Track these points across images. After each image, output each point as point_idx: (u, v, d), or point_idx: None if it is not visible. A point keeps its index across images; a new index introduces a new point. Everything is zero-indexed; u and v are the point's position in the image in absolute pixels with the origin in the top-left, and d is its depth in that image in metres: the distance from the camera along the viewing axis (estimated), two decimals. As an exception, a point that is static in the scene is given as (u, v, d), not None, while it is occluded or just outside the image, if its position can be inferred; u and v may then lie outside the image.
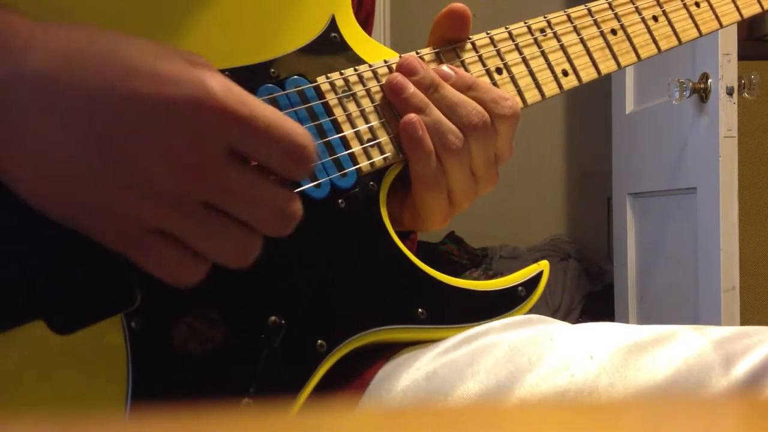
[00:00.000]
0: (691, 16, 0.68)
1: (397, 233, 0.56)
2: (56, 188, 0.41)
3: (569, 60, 0.62)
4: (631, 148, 2.28)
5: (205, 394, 0.46)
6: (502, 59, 0.61)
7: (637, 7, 0.66)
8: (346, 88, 0.55)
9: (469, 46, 0.60)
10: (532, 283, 0.59)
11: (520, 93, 0.60)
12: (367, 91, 0.56)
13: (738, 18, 0.71)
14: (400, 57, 0.57)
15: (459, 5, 0.60)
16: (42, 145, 0.41)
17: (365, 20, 0.70)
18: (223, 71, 0.51)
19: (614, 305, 2.33)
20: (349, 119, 0.54)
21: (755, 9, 0.72)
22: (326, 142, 0.53)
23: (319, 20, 0.56)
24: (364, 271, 0.53)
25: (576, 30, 0.63)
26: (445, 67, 0.57)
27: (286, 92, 0.53)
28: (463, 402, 0.52)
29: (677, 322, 0.58)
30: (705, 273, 1.80)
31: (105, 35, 0.43)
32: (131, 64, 0.41)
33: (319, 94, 0.54)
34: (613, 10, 0.65)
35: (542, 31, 0.62)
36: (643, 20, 0.66)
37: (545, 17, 0.63)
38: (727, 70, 1.72)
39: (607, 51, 0.64)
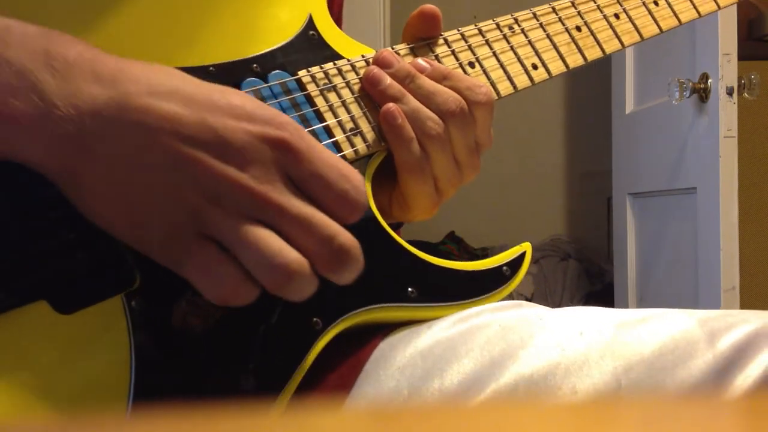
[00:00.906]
0: (651, 14, 0.72)
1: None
2: (127, 200, 0.44)
3: (537, 54, 0.66)
4: (631, 148, 2.28)
5: (205, 371, 0.48)
6: (473, 53, 0.64)
7: (598, 6, 0.70)
8: (326, 81, 0.58)
9: (441, 41, 0.64)
10: (516, 263, 0.61)
11: (492, 85, 0.63)
12: (347, 83, 0.59)
13: (696, 15, 0.75)
14: (377, 52, 0.60)
15: (429, 6, 0.63)
16: (120, 162, 0.43)
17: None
18: (207, 67, 0.54)
19: (614, 305, 2.33)
20: (331, 109, 0.57)
21: (711, 7, 0.76)
22: (311, 130, 0.56)
23: (298, 19, 0.60)
24: None
25: (542, 26, 0.67)
26: (420, 60, 0.60)
27: (269, 84, 0.55)
28: (457, 377, 0.53)
29: (677, 322, 0.59)
30: (705, 273, 1.80)
31: (181, 75, 0.46)
32: (212, 99, 0.45)
33: (301, 86, 0.57)
34: (576, 8, 0.69)
35: (510, 27, 0.66)
36: (605, 17, 0.70)
37: (512, 15, 0.67)
38: (727, 70, 1.72)
39: (573, 46, 0.68)
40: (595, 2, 0.70)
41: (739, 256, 1.73)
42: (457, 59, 0.63)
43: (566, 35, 0.68)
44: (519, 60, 0.65)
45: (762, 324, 0.54)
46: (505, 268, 0.61)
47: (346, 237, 0.45)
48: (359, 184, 0.46)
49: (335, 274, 0.46)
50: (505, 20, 0.67)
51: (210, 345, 0.48)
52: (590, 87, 3.01)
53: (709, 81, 1.76)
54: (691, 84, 1.77)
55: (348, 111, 0.58)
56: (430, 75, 0.59)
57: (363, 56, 0.60)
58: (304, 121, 0.56)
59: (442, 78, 0.59)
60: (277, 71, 0.56)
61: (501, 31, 0.66)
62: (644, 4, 0.72)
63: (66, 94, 0.43)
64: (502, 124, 3.04)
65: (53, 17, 0.50)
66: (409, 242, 0.59)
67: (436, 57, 0.62)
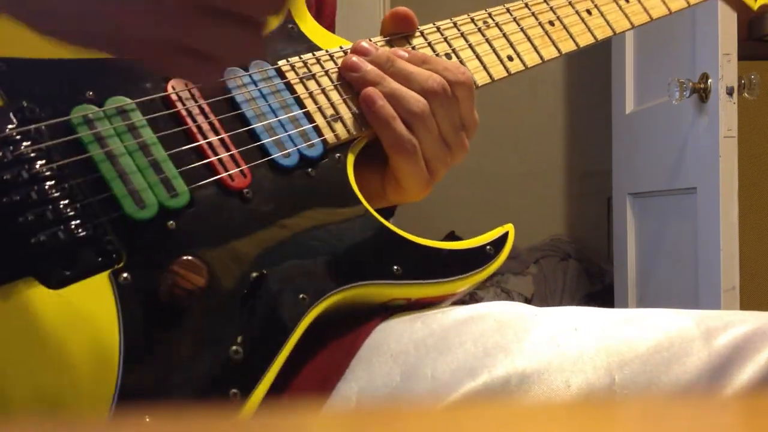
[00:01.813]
0: (621, 9, 0.75)
1: (380, 212, 0.59)
2: None
3: (512, 46, 0.68)
4: (631, 148, 2.28)
5: (195, 344, 0.48)
6: (450, 45, 0.66)
7: (570, 2, 0.73)
8: (305, 70, 0.60)
9: (417, 34, 0.66)
10: (499, 242, 0.63)
11: None
12: (326, 72, 0.61)
13: (666, 12, 0.77)
14: (356, 42, 0.62)
15: (402, 8, 0.65)
16: None
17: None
18: None
19: (614, 305, 2.33)
20: (311, 96, 0.59)
21: (681, 4, 0.78)
22: (291, 116, 0.57)
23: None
24: (340, 233, 0.56)
25: (516, 21, 0.70)
26: (398, 49, 0.62)
27: (249, 73, 0.57)
28: (450, 365, 0.54)
29: (677, 322, 0.59)
30: (705, 273, 1.80)
31: None
32: None
33: (281, 74, 0.59)
34: (548, 4, 0.72)
35: (484, 21, 0.69)
36: (577, 13, 0.73)
37: (486, 10, 0.69)
38: (727, 70, 1.72)
39: (546, 39, 0.70)
40: (567, 0, 0.73)
41: (739, 256, 1.73)
42: (433, 50, 0.65)
43: (539, 29, 0.70)
44: (494, 51, 0.67)
45: (759, 324, 0.54)
46: (488, 247, 0.62)
47: None
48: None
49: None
50: (479, 15, 0.69)
51: (198, 318, 0.49)
52: (590, 87, 3.01)
53: (709, 81, 1.76)
54: (691, 84, 1.77)
55: (328, 98, 0.59)
56: (408, 60, 0.61)
57: (341, 47, 0.62)
58: (285, 107, 0.57)
59: (420, 62, 0.61)
60: (258, 60, 0.58)
61: (476, 25, 0.68)
62: (615, 0, 0.75)
63: None
64: (503, 124, 3.04)
65: None
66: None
67: (413, 48, 0.64)
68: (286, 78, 0.58)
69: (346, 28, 0.73)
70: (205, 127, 0.53)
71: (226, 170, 0.53)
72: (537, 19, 0.71)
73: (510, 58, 0.68)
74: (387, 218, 0.60)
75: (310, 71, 0.60)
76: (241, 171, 0.54)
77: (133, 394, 0.44)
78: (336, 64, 0.61)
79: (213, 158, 0.53)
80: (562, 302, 2.71)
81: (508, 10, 0.70)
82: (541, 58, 0.69)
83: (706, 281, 1.80)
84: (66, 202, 0.47)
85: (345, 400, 0.54)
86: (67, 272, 0.46)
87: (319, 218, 0.56)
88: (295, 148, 0.57)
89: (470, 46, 0.67)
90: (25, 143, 0.47)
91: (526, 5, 0.71)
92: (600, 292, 2.76)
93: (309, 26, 0.63)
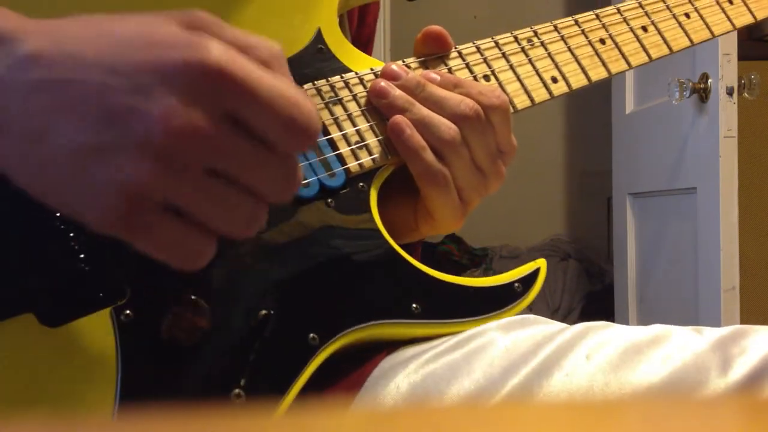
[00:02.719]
0: (681, 27, 0.69)
1: (404, 246, 0.56)
2: (50, 171, 0.39)
3: (557, 67, 0.64)
4: (631, 148, 2.28)
5: (194, 386, 0.46)
6: (489, 66, 0.62)
7: (624, 18, 0.67)
8: (332, 94, 0.56)
9: (455, 54, 0.62)
10: (529, 279, 0.59)
11: (508, 98, 0.61)
12: (354, 96, 0.57)
13: (730, 28, 0.72)
14: (385, 65, 0.58)
15: (434, 27, 0.61)
16: (33, 128, 0.39)
17: (366, 42, 0.72)
18: None
19: (614, 305, 2.33)
20: (336, 122, 0.56)
21: (747, 19, 0.73)
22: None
23: (306, 33, 0.58)
24: (356, 267, 0.53)
25: (563, 39, 0.65)
26: (429, 71, 0.58)
27: None
28: (457, 398, 0.52)
29: (677, 323, 0.58)
30: (705, 273, 1.80)
31: (96, 18, 0.42)
32: (124, 36, 0.40)
33: None
34: (600, 21, 0.67)
35: (529, 40, 0.64)
36: (632, 30, 0.67)
37: (531, 28, 0.65)
38: (727, 70, 1.72)
39: (596, 58, 0.65)
40: (621, 15, 0.67)
41: (739, 256, 1.73)
42: (471, 72, 0.61)
43: (589, 48, 0.65)
44: (537, 73, 0.63)
45: None
46: (516, 284, 0.58)
47: (293, 170, 0.42)
48: (305, 104, 0.41)
49: (286, 199, 0.43)
50: (524, 33, 0.64)
51: (199, 360, 0.47)
52: (590, 87, 3.01)
53: (709, 81, 1.76)
54: (691, 84, 1.77)
55: (354, 124, 0.56)
56: (440, 84, 0.57)
57: (372, 69, 0.58)
58: None
59: (452, 86, 0.57)
60: None
61: (519, 44, 0.63)
62: (674, 16, 0.69)
63: None
64: (502, 124, 3.04)
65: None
66: (409, 242, 0.59)
67: (449, 70, 0.61)
68: None
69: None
70: None
71: None
72: (587, 37, 0.65)
73: (554, 80, 0.63)
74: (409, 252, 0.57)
75: (337, 95, 0.57)
76: None
77: None
78: (365, 87, 0.57)
79: None
80: (562, 302, 2.71)
81: (555, 28, 0.65)
82: (589, 79, 0.65)
83: (706, 281, 1.80)
84: (72, 237, 0.45)
85: None
86: (65, 310, 0.44)
87: (335, 251, 0.53)
88: (315, 178, 0.53)
89: (511, 67, 0.62)
90: None
91: (576, 22, 0.66)
92: (600, 292, 2.76)
93: (340, 46, 0.59)
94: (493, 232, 3.00)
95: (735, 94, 1.72)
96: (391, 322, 0.53)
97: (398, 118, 0.55)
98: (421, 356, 0.55)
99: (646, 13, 0.68)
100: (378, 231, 0.55)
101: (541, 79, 0.63)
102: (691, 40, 0.70)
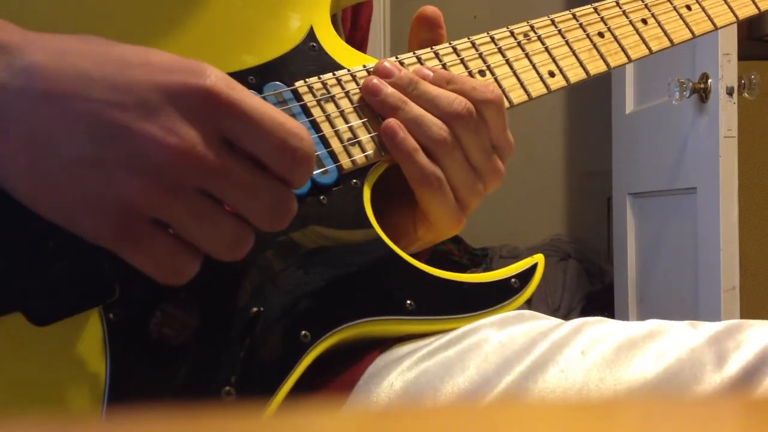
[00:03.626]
0: (682, 19, 0.68)
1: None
2: (48, 180, 0.40)
3: (555, 61, 0.63)
4: (631, 148, 2.28)
5: (184, 385, 0.46)
6: (484, 62, 0.61)
7: (624, 11, 0.67)
8: (324, 91, 0.56)
9: (449, 50, 0.61)
10: (527, 275, 0.58)
11: (504, 93, 0.61)
12: (346, 93, 0.57)
13: (733, 19, 0.71)
14: (378, 62, 0.58)
15: (428, 7, 0.61)
16: (34, 138, 0.40)
17: (360, 44, 0.72)
18: None
19: (614, 305, 2.33)
20: (328, 119, 0.55)
21: (750, 10, 0.72)
22: None
23: (298, 31, 0.58)
24: (349, 264, 0.53)
25: (560, 33, 0.64)
26: (423, 68, 0.58)
27: (263, 95, 0.54)
28: (452, 396, 0.52)
29: (677, 322, 0.58)
30: (705, 273, 1.80)
31: (97, 38, 0.43)
32: (125, 57, 0.42)
33: (297, 96, 0.55)
34: (598, 14, 0.66)
35: (525, 35, 0.63)
36: (631, 23, 0.67)
37: (528, 22, 0.64)
38: (727, 70, 1.72)
39: (594, 52, 0.65)
40: (620, 8, 0.67)
41: (739, 256, 1.73)
42: (466, 68, 0.60)
43: (587, 41, 0.64)
44: (534, 67, 0.62)
45: None
46: (513, 280, 0.57)
47: (285, 200, 0.44)
48: (299, 131, 0.43)
49: (276, 228, 0.45)
50: (521, 27, 0.63)
51: (189, 359, 0.46)
52: (590, 87, 3.01)
53: (709, 81, 1.76)
54: (691, 84, 1.77)
55: (346, 121, 0.55)
56: (433, 81, 0.57)
57: (364, 66, 0.58)
58: None
59: (445, 83, 0.57)
60: (273, 82, 0.55)
61: (515, 39, 0.63)
62: (675, 8, 0.68)
63: None
64: (502, 124, 3.04)
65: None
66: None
67: (444, 66, 0.60)
68: (302, 100, 0.55)
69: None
70: None
71: None
72: (585, 30, 0.65)
73: (551, 74, 0.62)
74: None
75: (329, 92, 0.56)
76: None
77: None
78: (358, 84, 0.57)
79: None
80: (562, 302, 2.71)
81: (552, 22, 0.64)
82: (587, 73, 0.64)
83: (706, 281, 1.80)
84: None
85: None
86: (54, 309, 0.44)
87: (327, 248, 0.52)
88: None
89: (507, 61, 0.62)
90: None
91: (574, 16, 0.65)
92: (600, 292, 2.76)
93: (332, 44, 0.59)
94: (493, 232, 3.00)
95: (735, 94, 1.72)
96: (385, 319, 0.53)
97: (391, 122, 0.55)
98: (415, 354, 0.54)
99: (646, 6, 0.68)
100: (371, 227, 0.54)
101: (538, 73, 0.62)
102: (692, 32, 0.68)
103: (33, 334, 0.44)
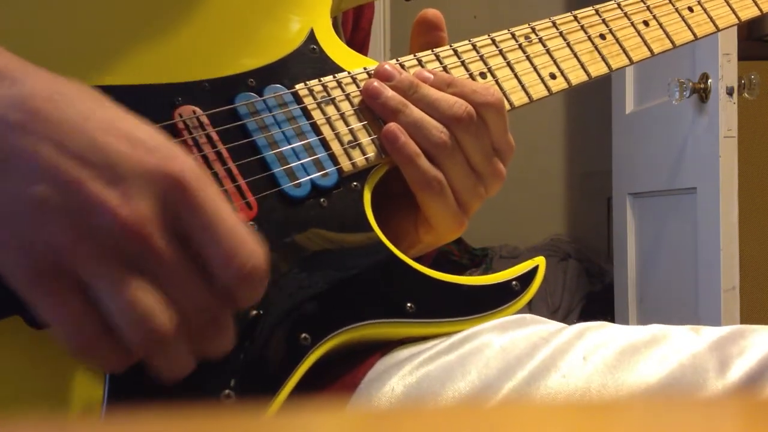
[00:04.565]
0: (684, 20, 0.68)
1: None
2: None
3: (556, 63, 0.63)
4: (631, 148, 2.28)
5: (183, 387, 0.45)
6: (485, 64, 0.61)
7: (626, 13, 0.67)
8: (324, 94, 0.56)
9: (450, 52, 0.61)
10: (527, 277, 0.57)
11: (505, 96, 0.61)
12: (347, 96, 0.57)
13: (735, 21, 0.71)
14: (378, 64, 0.58)
15: (430, 11, 0.61)
16: None
17: (362, 46, 0.72)
18: (202, 82, 0.52)
19: (614, 305, 2.33)
20: (329, 122, 0.55)
21: (752, 12, 0.71)
22: (305, 143, 0.54)
23: (299, 33, 0.58)
24: (349, 266, 0.52)
25: (562, 35, 0.64)
26: (422, 70, 0.58)
27: (263, 98, 0.54)
28: (453, 401, 0.51)
29: (677, 322, 0.58)
30: (705, 273, 1.80)
31: (94, 93, 0.42)
32: (113, 122, 0.41)
33: (298, 99, 0.55)
34: (600, 16, 0.66)
35: (527, 37, 0.63)
36: (633, 24, 0.67)
37: (529, 24, 0.64)
38: (727, 70, 1.72)
39: (596, 54, 0.65)
40: (621, 10, 0.67)
41: (739, 257, 1.73)
42: (467, 70, 0.60)
43: (588, 43, 0.64)
44: (535, 69, 0.62)
45: None
46: (514, 282, 0.56)
47: (218, 313, 0.41)
48: (253, 247, 0.41)
49: (203, 346, 0.41)
50: (522, 30, 0.63)
51: None
52: (590, 87, 3.00)
53: (709, 81, 1.76)
54: (691, 84, 1.77)
55: (347, 124, 0.55)
56: (433, 84, 0.57)
57: (365, 68, 0.58)
58: (300, 135, 0.54)
59: (446, 86, 0.57)
60: (274, 85, 0.55)
61: (516, 41, 0.63)
62: (677, 10, 0.68)
63: None
64: (502, 124, 3.04)
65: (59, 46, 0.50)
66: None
67: (445, 68, 0.60)
68: (303, 103, 0.55)
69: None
70: (212, 157, 0.50)
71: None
72: (586, 32, 0.65)
73: (552, 76, 0.62)
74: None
75: (329, 95, 0.56)
76: (247, 203, 0.50)
77: None
78: (358, 87, 0.57)
79: None
80: (562, 302, 2.71)
81: (554, 24, 0.64)
82: (588, 75, 0.64)
83: (706, 281, 1.80)
84: None
85: None
86: None
87: (327, 250, 0.52)
88: (308, 178, 0.53)
89: (508, 64, 0.62)
90: None
91: (575, 18, 0.65)
92: (600, 292, 2.76)
93: (333, 46, 0.59)
94: (493, 232, 3.00)
95: (735, 94, 1.72)
96: (385, 322, 0.52)
97: (392, 126, 0.55)
98: (416, 358, 0.54)
99: (648, 8, 0.68)
100: (372, 230, 0.54)
101: (539, 75, 0.62)
102: (694, 34, 0.69)
103: (33, 336, 0.44)
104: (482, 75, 0.61)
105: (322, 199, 0.53)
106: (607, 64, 0.65)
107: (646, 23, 0.67)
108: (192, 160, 0.41)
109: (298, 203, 0.52)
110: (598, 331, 0.55)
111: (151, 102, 0.50)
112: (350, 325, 0.51)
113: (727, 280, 1.72)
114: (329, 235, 0.53)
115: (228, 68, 0.54)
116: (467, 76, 0.60)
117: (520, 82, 0.62)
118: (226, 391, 0.46)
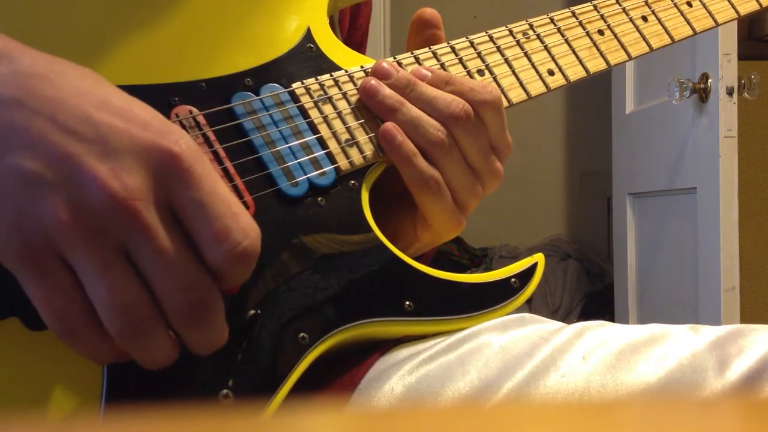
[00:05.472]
0: (683, 15, 0.68)
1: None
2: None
3: (554, 60, 0.63)
4: (631, 148, 2.28)
5: (181, 387, 0.46)
6: (483, 61, 0.61)
7: (624, 8, 0.66)
8: (321, 93, 0.56)
9: (448, 49, 0.61)
10: (527, 274, 0.57)
11: (503, 92, 0.60)
12: (344, 94, 0.56)
13: (734, 15, 0.70)
14: (376, 62, 0.58)
15: (427, 9, 0.61)
16: None
17: (359, 45, 0.71)
18: (199, 82, 0.52)
19: (614, 305, 2.33)
20: (326, 121, 0.55)
21: (752, 6, 0.71)
22: (302, 142, 0.54)
23: (295, 32, 0.58)
24: (347, 265, 0.52)
25: (560, 31, 0.64)
26: (420, 68, 0.58)
27: (260, 97, 0.54)
28: (452, 400, 0.51)
29: (677, 322, 0.58)
30: (705, 273, 1.80)
31: (93, 74, 0.42)
32: (108, 99, 0.41)
33: (294, 98, 0.55)
34: (598, 12, 0.66)
35: (524, 33, 0.63)
36: (631, 20, 0.66)
37: (527, 21, 0.64)
38: (727, 70, 1.72)
39: (594, 50, 0.64)
40: (620, 5, 0.67)
41: (739, 257, 1.73)
42: (465, 67, 0.60)
43: (587, 39, 0.64)
44: (533, 66, 0.62)
45: None
46: (513, 280, 0.56)
47: (206, 293, 0.40)
48: (247, 227, 0.40)
49: (184, 332, 0.41)
50: (519, 26, 0.63)
51: (186, 360, 0.45)
52: (590, 87, 3.01)
53: (709, 81, 1.76)
54: (691, 84, 1.77)
55: (344, 122, 0.55)
56: (431, 82, 0.56)
57: (362, 67, 0.58)
58: (297, 133, 0.54)
59: (443, 84, 0.56)
60: (270, 84, 0.55)
61: (514, 38, 0.63)
62: (676, 5, 0.68)
63: None
64: (502, 124, 3.04)
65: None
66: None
67: (442, 66, 0.60)
68: (299, 102, 0.55)
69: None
70: (209, 156, 0.50)
71: None
72: (584, 28, 0.64)
73: (551, 73, 0.62)
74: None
75: (326, 94, 0.56)
76: (244, 202, 0.50)
77: None
78: (355, 85, 0.57)
79: None
80: (562, 302, 2.71)
81: (551, 20, 0.64)
82: (587, 71, 0.64)
83: (706, 281, 1.80)
84: None
85: None
86: None
87: (325, 249, 0.52)
88: (305, 177, 0.53)
89: (506, 60, 0.61)
90: None
91: (573, 14, 0.65)
92: (600, 292, 2.76)
93: (330, 45, 0.58)
94: (493, 232, 3.00)
95: (735, 94, 1.72)
96: (384, 321, 0.52)
97: (389, 126, 0.55)
98: (416, 357, 0.54)
99: (646, 3, 0.68)
100: (370, 229, 0.54)
101: (537, 72, 0.62)
102: (693, 29, 0.68)
103: (31, 337, 0.44)
104: (480, 72, 0.61)
105: (319, 198, 0.53)
106: (605, 59, 0.65)
107: (644, 18, 0.67)
108: (188, 136, 0.41)
109: (296, 202, 0.52)
110: (597, 330, 0.55)
111: (148, 102, 0.51)
112: (348, 323, 0.51)
113: (727, 280, 1.72)
114: (327, 233, 0.53)
115: (224, 68, 0.54)
116: (465, 73, 0.60)
117: (518, 78, 0.61)
118: (224, 391, 0.46)
